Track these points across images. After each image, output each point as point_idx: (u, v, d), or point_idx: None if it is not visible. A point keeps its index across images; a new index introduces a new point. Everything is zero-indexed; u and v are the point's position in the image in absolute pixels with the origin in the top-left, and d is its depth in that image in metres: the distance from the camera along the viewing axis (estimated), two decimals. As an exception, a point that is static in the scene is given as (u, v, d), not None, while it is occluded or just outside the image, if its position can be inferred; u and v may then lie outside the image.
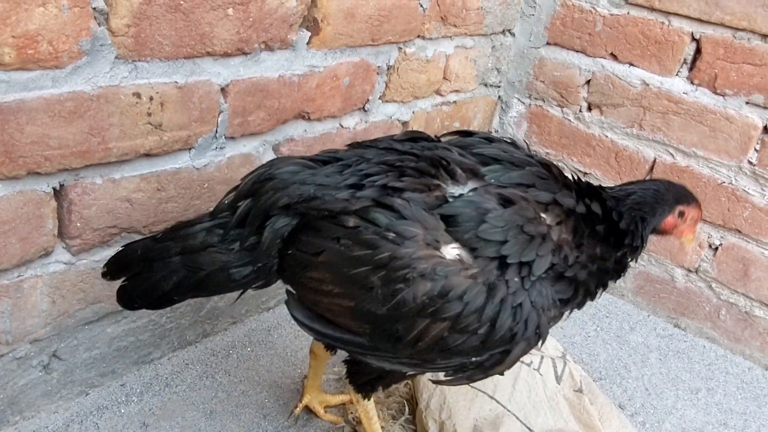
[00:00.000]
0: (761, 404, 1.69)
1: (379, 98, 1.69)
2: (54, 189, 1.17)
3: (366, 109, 1.67)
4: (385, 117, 1.73)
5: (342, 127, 1.63)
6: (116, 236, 1.29)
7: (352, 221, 1.04)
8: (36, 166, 1.11)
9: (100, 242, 1.27)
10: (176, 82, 1.25)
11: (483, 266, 1.01)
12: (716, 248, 1.84)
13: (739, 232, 1.79)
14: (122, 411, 1.36)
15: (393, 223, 1.02)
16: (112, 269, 1.14)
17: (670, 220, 1.22)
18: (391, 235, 1.01)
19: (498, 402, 1.40)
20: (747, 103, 1.72)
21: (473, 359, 1.05)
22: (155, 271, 1.09)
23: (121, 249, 1.14)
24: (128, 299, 1.13)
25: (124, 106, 1.19)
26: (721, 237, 1.82)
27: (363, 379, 1.22)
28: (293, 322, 1.66)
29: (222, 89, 1.33)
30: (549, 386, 1.44)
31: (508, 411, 1.38)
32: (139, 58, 1.18)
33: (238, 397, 1.44)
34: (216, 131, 1.36)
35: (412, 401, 1.45)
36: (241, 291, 1.16)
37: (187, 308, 1.49)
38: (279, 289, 1.68)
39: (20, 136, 1.08)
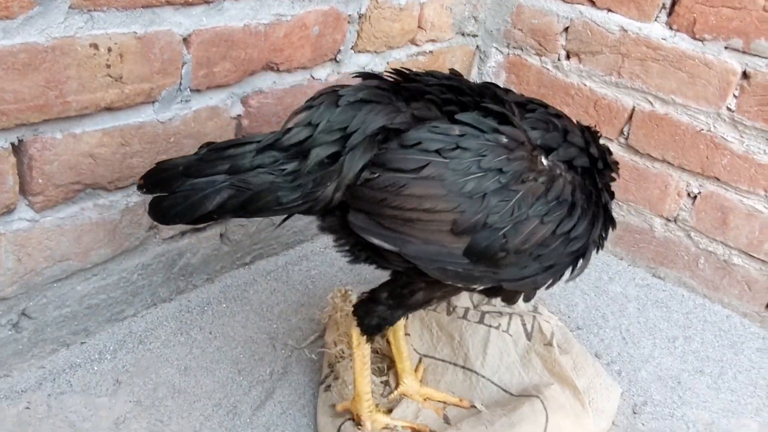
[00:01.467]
0: (738, 351, 1.70)
1: (351, 48, 1.65)
2: (12, 145, 1.14)
3: (338, 59, 1.63)
4: (359, 68, 1.70)
5: (313, 78, 1.60)
6: (80, 192, 1.26)
7: (457, 129, 1.01)
8: (-9, 121, 1.09)
9: (64, 199, 1.24)
10: (135, 33, 1.21)
11: (572, 176, 1.07)
12: (695, 197, 1.83)
13: (718, 180, 1.77)
14: (95, 368, 1.35)
15: (500, 128, 1.02)
16: (149, 183, 1.06)
17: None
18: (504, 139, 1.01)
19: (470, 370, 1.40)
20: (726, 48, 1.69)
21: (548, 264, 1.07)
22: (198, 189, 1.03)
23: (159, 164, 1.06)
24: (164, 215, 1.06)
25: (81, 58, 1.15)
26: (700, 185, 1.81)
27: (375, 319, 1.19)
28: (269, 277, 1.67)
29: (184, 39, 1.29)
30: (520, 345, 1.44)
31: (482, 377, 1.39)
32: (94, 7, 1.14)
33: (213, 353, 1.44)
34: (180, 84, 1.32)
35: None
36: (286, 216, 1.14)
37: (159, 265, 1.47)
38: (255, 244, 1.67)
39: (-28, 89, 1.04)
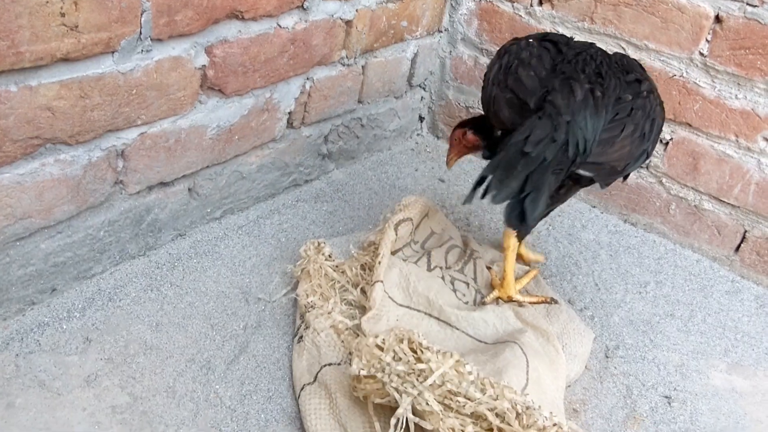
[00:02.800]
0: (707, 294, 1.72)
1: (319, -5, 1.60)
2: (-36, 98, 1.10)
3: (305, 6, 1.58)
4: (327, 15, 1.65)
5: (280, 26, 1.55)
6: (40, 147, 1.22)
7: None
8: (-61, 73, 1.04)
9: (23, 154, 1.20)
10: (90, -21, 1.16)
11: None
12: (667, 143, 1.83)
13: (690, 125, 1.77)
14: (64, 327, 1.33)
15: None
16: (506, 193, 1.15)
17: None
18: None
19: (445, 322, 1.40)
20: (699, -10, 1.67)
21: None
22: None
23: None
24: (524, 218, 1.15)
25: (33, 6, 1.10)
26: (672, 131, 1.81)
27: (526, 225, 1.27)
28: (240, 231, 1.65)
29: (142, -14, 1.24)
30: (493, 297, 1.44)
31: (457, 329, 1.39)
32: (44, -49, 1.09)
33: (185, 309, 1.42)
34: (140, 32, 1.28)
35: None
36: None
37: (126, 221, 1.44)
38: (225, 198, 1.64)
39: None
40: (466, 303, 1.48)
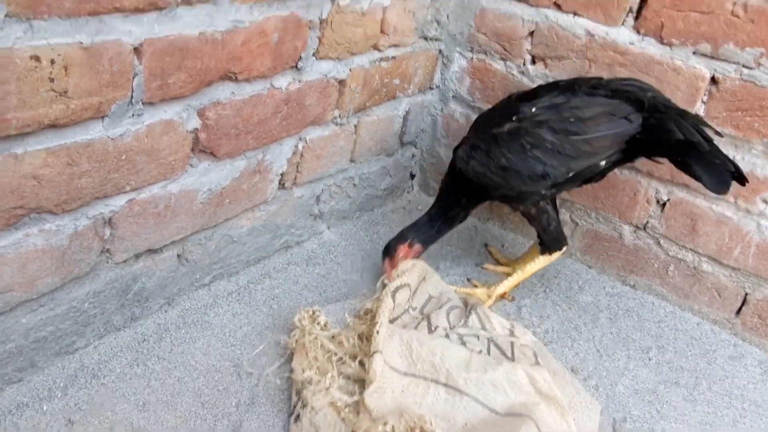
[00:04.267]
0: (710, 360, 1.68)
1: (313, 55, 1.57)
2: (-56, 169, 1.03)
3: (299, 67, 1.55)
4: (320, 75, 1.62)
5: (273, 87, 1.51)
6: (23, 217, 1.15)
7: None
8: None
9: (5, 225, 1.13)
10: (81, 43, 1.11)
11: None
12: (664, 204, 1.80)
13: (687, 186, 1.75)
14: (45, 408, 1.24)
15: None
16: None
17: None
18: None
19: (453, 388, 1.33)
20: (694, 53, 1.66)
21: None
22: None
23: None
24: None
25: (21, 72, 1.04)
26: (669, 192, 1.79)
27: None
28: (230, 298, 1.58)
29: (135, 49, 1.19)
30: (504, 365, 1.38)
31: (466, 395, 1.32)
32: (34, 15, 1.03)
33: (173, 385, 1.34)
34: (132, 96, 1.22)
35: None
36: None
37: (112, 291, 1.37)
38: (214, 263, 1.58)
39: None
40: (480, 352, 1.41)
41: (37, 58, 1.05)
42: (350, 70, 1.70)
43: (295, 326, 1.44)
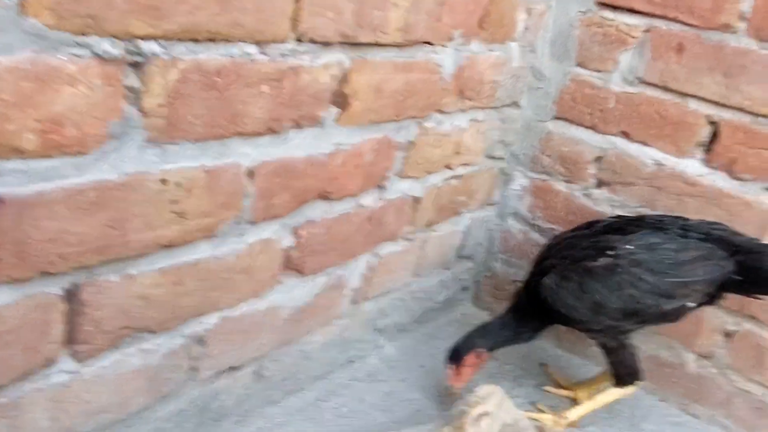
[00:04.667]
0: (784, 500, 1.63)
1: (397, 174, 1.59)
2: (66, 290, 1.01)
3: (383, 186, 1.56)
4: (400, 194, 1.63)
5: (360, 206, 1.52)
6: (126, 337, 1.13)
7: None
8: (49, 266, 0.96)
9: (110, 345, 1.11)
10: (204, 166, 1.12)
11: None
12: (730, 334, 1.79)
13: (755, 318, 1.75)
14: None
15: None
16: None
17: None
18: None
19: None
20: (765, 189, 1.69)
21: None
22: None
23: None
24: None
25: (150, 194, 1.05)
26: (736, 323, 1.78)
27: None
28: (300, 416, 1.53)
29: (249, 171, 1.20)
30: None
31: None
32: (169, 140, 1.04)
33: None
34: (239, 216, 1.22)
35: None
36: None
37: (194, 410, 1.33)
38: (286, 380, 1.54)
39: (35, 232, 0.92)
40: None
41: (164, 182, 1.06)
42: (425, 188, 1.72)
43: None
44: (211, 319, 1.28)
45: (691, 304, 1.53)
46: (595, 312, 1.50)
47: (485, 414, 1.47)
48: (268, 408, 1.53)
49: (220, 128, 1.11)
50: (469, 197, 1.94)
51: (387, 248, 1.70)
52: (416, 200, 1.71)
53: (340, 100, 1.32)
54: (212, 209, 1.16)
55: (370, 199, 1.54)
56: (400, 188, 1.62)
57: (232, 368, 1.39)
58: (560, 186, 1.99)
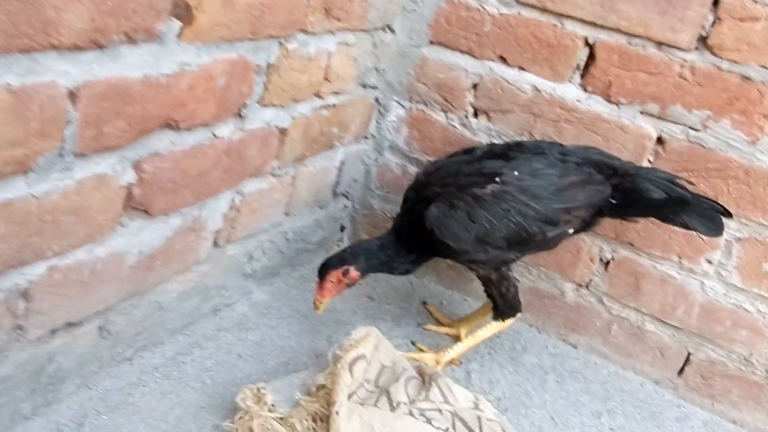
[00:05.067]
0: (659, 423, 1.65)
1: (257, 102, 1.43)
2: None
3: (242, 115, 1.40)
4: (263, 124, 1.47)
5: (215, 136, 1.35)
6: None
7: None
8: None
9: None
10: (9, 84, 0.92)
11: None
12: (608, 262, 1.78)
13: (632, 245, 1.74)
14: None
15: None
16: None
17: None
18: None
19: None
20: (641, 112, 1.66)
21: None
22: None
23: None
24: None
25: (-68, 118, 0.84)
26: (613, 251, 1.76)
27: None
28: (156, 374, 1.38)
29: (71, 93, 1.01)
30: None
31: None
32: (-47, 50, 0.84)
33: (97, 485, 1.13)
34: (62, 148, 1.03)
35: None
36: None
37: (23, 375, 1.14)
38: (138, 335, 1.38)
39: None
40: (446, 430, 1.29)
41: (-48, 102, 0.86)
42: (293, 118, 1.57)
43: (237, 407, 1.27)
44: (37, 270, 1.09)
45: (570, 230, 1.48)
46: (481, 242, 1.42)
47: (360, 357, 1.37)
48: (119, 367, 1.36)
49: (27, 38, 0.91)
50: (342, 129, 1.81)
51: (252, 185, 1.54)
52: (283, 131, 1.55)
53: (183, 12, 1.14)
54: (24, 138, 0.96)
55: (226, 130, 1.37)
56: (262, 117, 1.46)
57: (70, 325, 1.21)
58: (437, 116, 1.89)
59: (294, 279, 1.86)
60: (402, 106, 1.92)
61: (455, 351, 1.63)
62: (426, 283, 2.00)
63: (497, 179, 1.44)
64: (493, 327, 1.62)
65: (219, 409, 1.33)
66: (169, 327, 1.46)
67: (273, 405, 1.29)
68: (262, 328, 1.63)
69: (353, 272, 1.51)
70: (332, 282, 1.50)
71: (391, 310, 1.84)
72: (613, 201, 1.47)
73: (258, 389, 1.30)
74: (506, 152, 1.52)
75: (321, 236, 1.95)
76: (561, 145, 1.56)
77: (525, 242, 1.46)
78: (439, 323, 1.81)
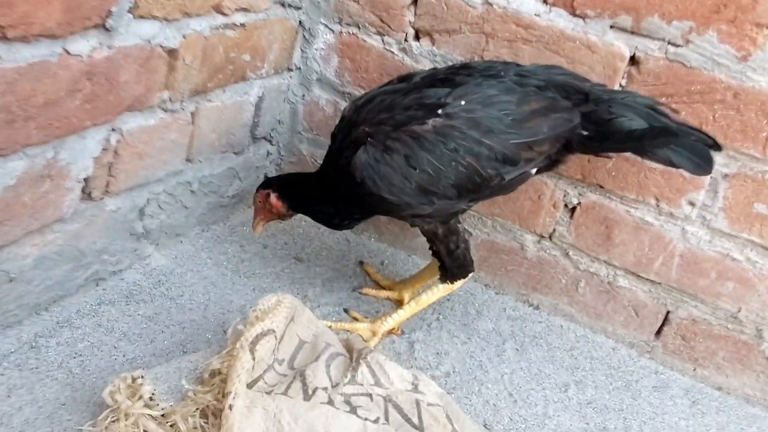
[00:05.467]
0: (635, 394, 1.41)
1: (129, 11, 1.11)
2: None
3: (108, 27, 1.08)
4: (140, 41, 1.16)
5: (68, 53, 1.03)
6: None
7: None
8: None
9: None
10: None
11: None
12: (574, 208, 1.51)
13: (601, 187, 1.47)
14: None
15: None
16: None
17: None
18: None
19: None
20: (612, 27, 1.38)
21: None
22: None
23: None
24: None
25: None
26: (580, 194, 1.50)
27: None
28: (7, 363, 1.08)
29: None
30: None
31: None
32: None
33: None
34: None
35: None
36: None
37: None
38: (46, 281, 1.08)
39: None
40: (376, 420, 1.02)
41: None
42: (184, 36, 1.25)
43: (105, 404, 0.98)
44: None
45: (533, 171, 1.21)
46: (424, 192, 1.15)
47: (267, 333, 1.08)
48: (30, 319, 1.07)
49: None
50: (256, 57, 1.49)
51: (133, 121, 1.23)
52: (171, 53, 1.24)
53: None
54: None
55: (85, 45, 1.06)
56: (137, 32, 1.15)
57: None
58: (372, 40, 1.58)
59: (205, 240, 1.56)
60: (330, 30, 1.61)
61: (395, 319, 1.36)
62: (365, 240, 1.71)
63: (441, 111, 1.15)
64: (441, 290, 1.35)
65: (86, 405, 1.05)
66: (26, 303, 1.16)
67: (152, 398, 1.00)
68: (157, 299, 1.33)
69: (274, 199, 1.35)
70: (260, 203, 1.37)
71: (323, 272, 1.55)
72: (584, 132, 1.19)
73: (133, 378, 1.02)
74: (451, 77, 1.23)
75: (239, 188, 1.64)
76: (517, 65, 1.27)
77: (478, 188, 1.18)
78: (378, 286, 1.54)
